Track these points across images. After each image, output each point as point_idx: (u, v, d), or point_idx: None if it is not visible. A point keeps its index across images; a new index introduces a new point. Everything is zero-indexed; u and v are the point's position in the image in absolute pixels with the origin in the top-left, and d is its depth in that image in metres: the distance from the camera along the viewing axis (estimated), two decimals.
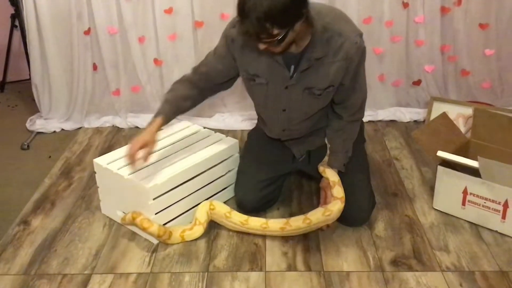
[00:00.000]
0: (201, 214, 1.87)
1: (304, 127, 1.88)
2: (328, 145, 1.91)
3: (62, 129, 2.76)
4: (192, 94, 1.86)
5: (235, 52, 1.76)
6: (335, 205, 1.80)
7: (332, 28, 1.62)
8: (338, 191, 1.82)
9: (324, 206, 1.82)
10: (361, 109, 1.86)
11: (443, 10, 2.62)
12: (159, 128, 1.79)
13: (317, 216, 1.80)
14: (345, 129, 1.88)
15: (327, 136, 1.92)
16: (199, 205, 1.92)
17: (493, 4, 2.60)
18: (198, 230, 1.84)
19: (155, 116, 1.80)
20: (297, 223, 1.81)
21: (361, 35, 1.68)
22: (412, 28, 2.66)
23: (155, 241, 1.83)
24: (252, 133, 2.16)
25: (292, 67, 1.69)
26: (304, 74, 1.69)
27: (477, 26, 2.64)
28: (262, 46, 1.53)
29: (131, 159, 1.72)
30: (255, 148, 2.07)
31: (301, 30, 1.54)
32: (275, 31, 1.46)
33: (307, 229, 1.83)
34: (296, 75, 1.69)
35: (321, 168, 1.91)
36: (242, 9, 1.45)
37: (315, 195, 2.10)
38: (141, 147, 1.73)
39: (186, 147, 2.04)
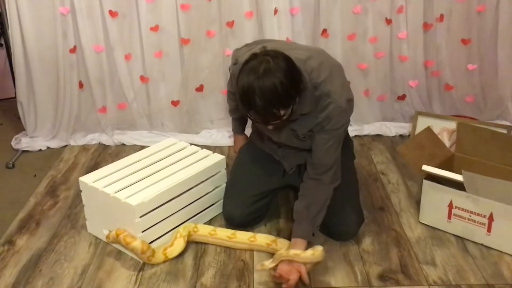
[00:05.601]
0: (183, 229, 1.87)
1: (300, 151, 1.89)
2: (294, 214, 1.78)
3: (48, 147, 2.74)
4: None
5: (234, 88, 1.80)
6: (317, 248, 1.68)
7: (323, 89, 1.65)
8: (304, 255, 1.65)
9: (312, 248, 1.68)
10: (326, 174, 1.75)
11: (426, 26, 2.66)
12: (243, 139, 2.23)
13: (306, 255, 1.66)
14: (310, 189, 1.77)
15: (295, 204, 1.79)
16: (182, 225, 1.91)
17: (474, 19, 2.65)
18: (179, 244, 1.83)
19: (234, 133, 2.27)
20: (283, 246, 1.79)
21: (349, 100, 1.70)
22: (395, 44, 2.70)
23: (141, 261, 1.81)
24: (243, 148, 2.17)
25: None
26: (290, 122, 1.71)
27: (460, 41, 2.69)
28: (270, 127, 1.59)
29: None
30: (246, 162, 2.08)
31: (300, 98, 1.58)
32: (282, 112, 1.52)
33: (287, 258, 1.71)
34: (283, 123, 1.67)
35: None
36: (246, 102, 1.50)
37: None
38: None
39: (172, 164, 2.03)
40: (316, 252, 1.64)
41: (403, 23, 2.65)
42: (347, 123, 1.78)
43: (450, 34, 2.68)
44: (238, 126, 2.23)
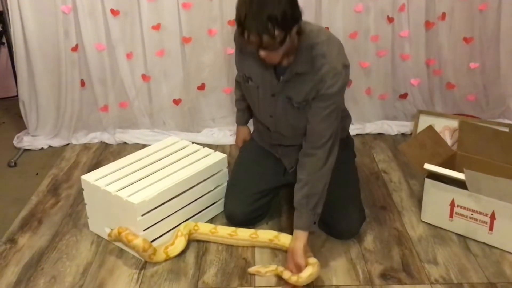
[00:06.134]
0: (183, 228, 1.88)
1: (294, 140, 1.89)
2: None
3: (50, 146, 2.74)
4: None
5: (237, 50, 1.89)
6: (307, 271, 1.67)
7: (320, 49, 1.66)
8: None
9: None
10: (323, 148, 1.73)
11: (428, 24, 2.66)
12: (246, 131, 2.22)
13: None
14: (307, 173, 1.75)
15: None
16: (182, 223, 1.92)
17: (476, 18, 2.64)
18: (180, 242, 1.83)
19: (237, 125, 2.24)
20: (286, 241, 1.83)
21: (345, 66, 1.68)
22: (397, 42, 2.69)
23: (142, 259, 1.81)
24: (245, 146, 2.18)
25: (281, 77, 1.74)
26: (286, 85, 1.74)
27: (462, 40, 2.68)
28: (262, 53, 1.57)
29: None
30: (247, 161, 2.08)
31: (294, 40, 1.59)
32: (276, 33, 1.50)
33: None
34: (280, 84, 1.74)
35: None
36: (244, 16, 1.50)
37: None
38: (244, 142, 2.21)
39: (174, 162, 2.03)
40: (300, 279, 1.64)
41: (405, 22, 2.65)
42: (343, 89, 1.72)
43: (452, 33, 2.68)
44: (242, 117, 2.20)
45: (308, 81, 1.70)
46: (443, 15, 2.63)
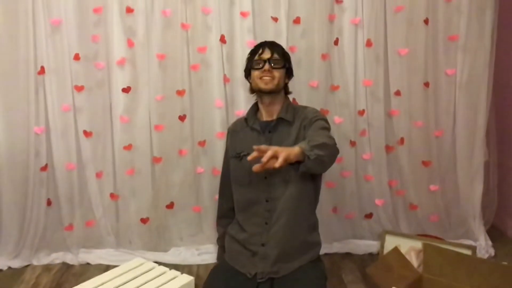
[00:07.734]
0: None
1: (285, 216, 1.97)
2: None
3: (9, 267, 2.63)
4: (226, 226, 2.21)
5: (229, 140, 2.22)
6: None
7: (301, 106, 2.17)
8: None
9: None
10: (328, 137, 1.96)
11: (388, 148, 2.80)
12: None
13: None
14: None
15: None
16: None
17: (433, 143, 2.79)
18: None
19: (218, 261, 2.31)
20: None
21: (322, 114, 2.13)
22: (360, 164, 2.81)
23: None
24: (214, 269, 2.14)
25: (267, 133, 2.07)
26: (274, 137, 2.05)
27: (421, 163, 2.81)
28: (267, 67, 2.04)
29: None
30: (216, 282, 2.03)
31: (287, 76, 2.15)
32: (283, 52, 2.13)
33: None
34: (269, 137, 2.05)
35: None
36: (261, 43, 2.14)
37: None
38: None
39: (140, 286, 1.98)
40: None
41: (367, 145, 2.78)
42: (325, 117, 2.10)
43: (411, 156, 2.80)
44: (222, 254, 2.20)
45: (293, 130, 2.05)
46: (402, 140, 2.78)
